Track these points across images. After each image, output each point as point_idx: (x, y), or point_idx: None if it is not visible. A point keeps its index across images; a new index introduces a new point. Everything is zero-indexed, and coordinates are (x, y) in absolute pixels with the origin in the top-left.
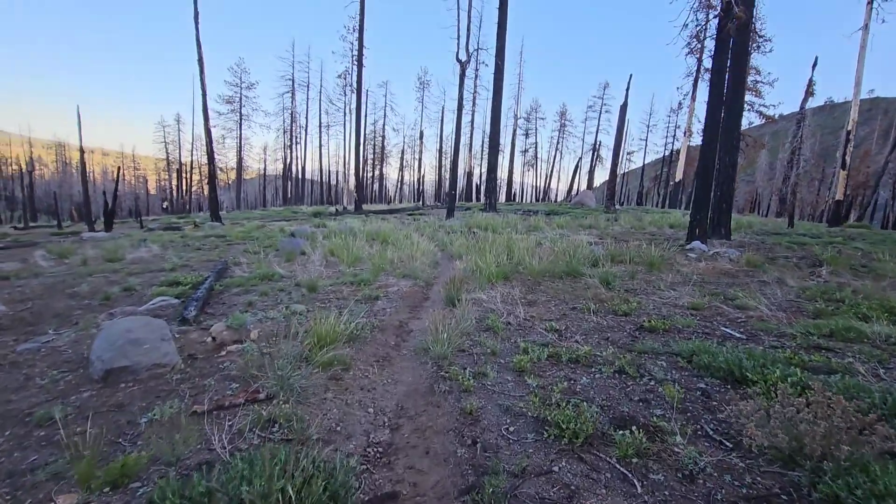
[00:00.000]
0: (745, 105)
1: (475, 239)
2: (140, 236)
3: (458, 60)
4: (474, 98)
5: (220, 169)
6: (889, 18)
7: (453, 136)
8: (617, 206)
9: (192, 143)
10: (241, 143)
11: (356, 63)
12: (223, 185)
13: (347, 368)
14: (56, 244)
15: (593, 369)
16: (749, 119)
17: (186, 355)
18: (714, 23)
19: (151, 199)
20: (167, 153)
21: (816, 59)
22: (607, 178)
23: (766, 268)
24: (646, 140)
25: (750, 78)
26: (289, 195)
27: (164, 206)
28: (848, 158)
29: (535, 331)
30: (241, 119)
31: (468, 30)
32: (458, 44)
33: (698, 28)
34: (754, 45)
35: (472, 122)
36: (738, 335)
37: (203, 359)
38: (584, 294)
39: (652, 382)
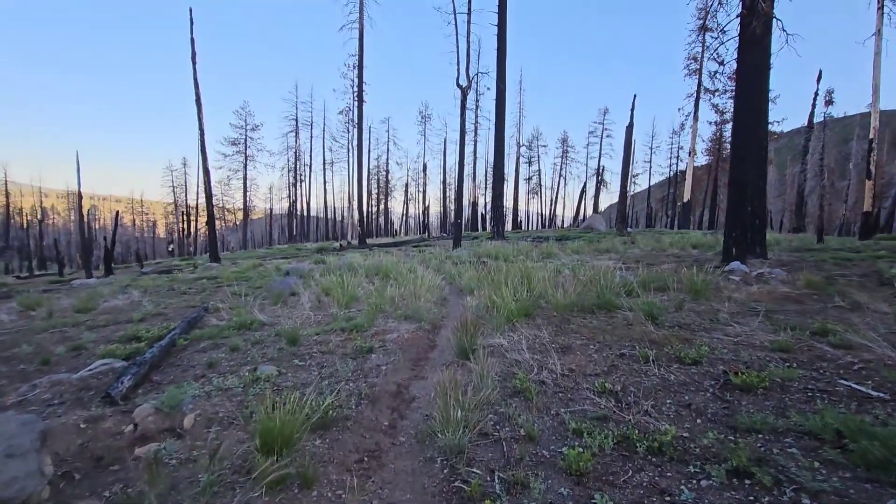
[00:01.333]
0: None
1: (486, 269)
2: (126, 282)
3: (459, 86)
4: (476, 128)
5: (227, 210)
6: None
7: (457, 167)
8: (629, 229)
9: (198, 186)
10: (246, 183)
11: (356, 99)
12: (231, 225)
13: (310, 485)
14: (26, 295)
15: (692, 469)
16: None
17: (61, 473)
18: (715, 44)
19: (160, 242)
20: (175, 197)
21: (820, 72)
22: (615, 202)
23: (831, 290)
24: (650, 162)
25: None
26: (294, 233)
27: (170, 249)
28: (873, 168)
29: (581, 393)
30: (245, 160)
31: (468, 54)
32: (459, 69)
33: (702, 50)
34: None
35: (475, 152)
36: (874, 393)
37: (86, 477)
38: (628, 333)
39: (806, 500)
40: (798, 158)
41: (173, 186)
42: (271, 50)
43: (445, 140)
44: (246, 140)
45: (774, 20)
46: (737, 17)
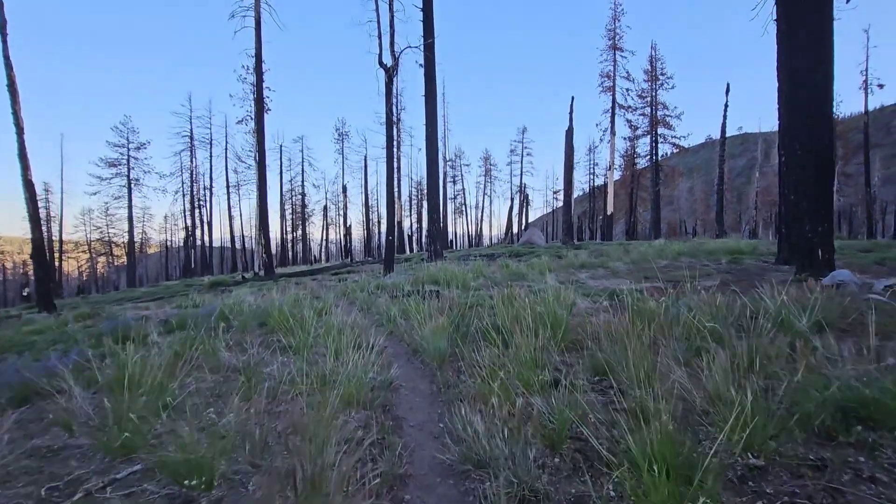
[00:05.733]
0: (659, 137)
1: (449, 306)
2: None
3: (383, 65)
4: (399, 144)
5: (115, 244)
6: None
7: (383, 172)
8: (575, 241)
9: (73, 216)
10: (131, 211)
11: (256, 102)
12: (122, 263)
13: None
14: None
15: None
16: (663, 150)
17: None
18: None
19: (16, 285)
20: (43, 231)
21: (728, 85)
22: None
23: None
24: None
25: (659, 112)
26: (193, 265)
27: (25, 294)
28: None
29: None
30: (130, 184)
31: (392, 26)
32: (381, 44)
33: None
34: (658, 83)
35: (399, 168)
36: None
37: None
38: None
39: None
40: (697, 172)
41: (47, 219)
42: (156, 55)
43: (366, 157)
44: (129, 161)
45: None
46: None
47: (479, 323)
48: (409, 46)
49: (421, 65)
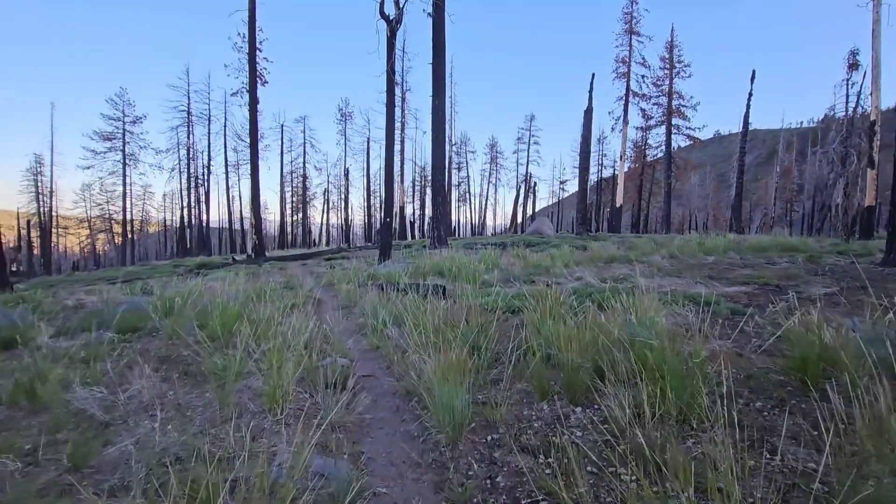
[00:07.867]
0: (672, 128)
1: (465, 315)
2: None
3: (384, 16)
4: (403, 126)
5: (115, 221)
6: None
7: (381, 172)
8: (591, 232)
9: (73, 191)
10: (126, 187)
11: (249, 71)
12: (121, 240)
13: None
14: None
15: None
16: (677, 142)
17: None
18: None
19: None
20: (39, 205)
21: (754, 72)
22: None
23: None
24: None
25: (675, 102)
26: (188, 245)
27: (14, 269)
28: (876, 156)
29: None
30: (125, 159)
31: None
32: None
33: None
34: (675, 71)
35: (402, 151)
36: None
37: None
38: None
39: None
40: (705, 167)
41: (38, 193)
42: (153, 22)
43: (368, 139)
44: (124, 135)
45: None
46: None
47: (515, 345)
48: None
49: (429, 14)
